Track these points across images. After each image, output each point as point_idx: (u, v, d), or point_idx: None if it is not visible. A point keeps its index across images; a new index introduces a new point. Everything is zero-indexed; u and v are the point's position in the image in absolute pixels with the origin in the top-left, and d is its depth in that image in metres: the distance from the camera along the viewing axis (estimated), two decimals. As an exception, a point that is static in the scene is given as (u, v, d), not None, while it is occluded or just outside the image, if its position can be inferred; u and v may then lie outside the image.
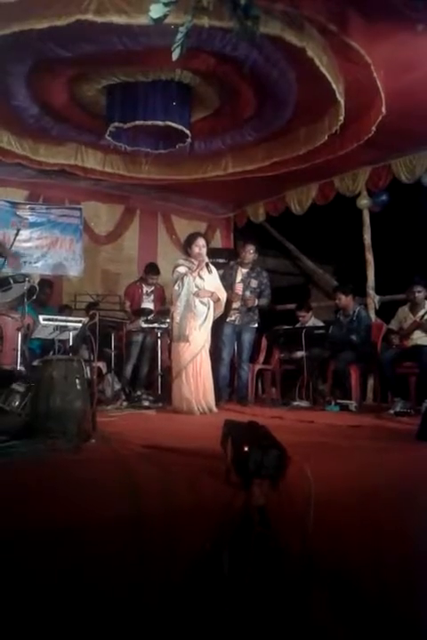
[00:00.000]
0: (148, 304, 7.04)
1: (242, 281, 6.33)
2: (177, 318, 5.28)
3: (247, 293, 6.26)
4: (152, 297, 7.15)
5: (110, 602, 1.56)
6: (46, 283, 6.85)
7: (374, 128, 5.60)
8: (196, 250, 5.42)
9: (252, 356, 6.83)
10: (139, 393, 6.29)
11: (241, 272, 6.38)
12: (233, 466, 1.96)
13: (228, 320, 6.19)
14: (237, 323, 6.28)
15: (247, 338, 6.35)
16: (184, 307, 5.27)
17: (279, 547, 1.81)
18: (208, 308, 5.40)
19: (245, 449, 1.88)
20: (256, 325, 6.45)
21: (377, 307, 7.27)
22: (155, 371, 6.54)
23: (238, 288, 6.28)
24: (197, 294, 5.32)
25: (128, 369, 6.71)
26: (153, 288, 7.16)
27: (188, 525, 1.75)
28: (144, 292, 7.12)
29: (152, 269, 7.14)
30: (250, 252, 6.34)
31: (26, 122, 6.12)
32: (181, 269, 5.38)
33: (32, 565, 1.49)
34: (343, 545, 2.02)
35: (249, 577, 1.74)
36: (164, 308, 6.88)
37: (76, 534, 1.61)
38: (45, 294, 6.67)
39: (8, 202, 7.24)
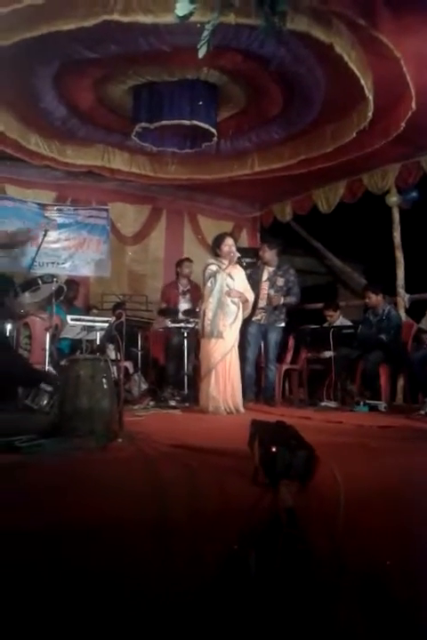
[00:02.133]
0: (185, 304, 7.02)
1: (268, 279, 6.31)
2: (209, 314, 5.27)
3: (271, 292, 6.21)
4: (188, 296, 7.13)
5: (136, 603, 1.55)
6: (73, 283, 6.89)
7: (403, 124, 5.50)
8: (226, 248, 5.43)
9: (279, 355, 6.78)
10: (167, 392, 6.30)
11: (267, 271, 6.36)
12: (261, 466, 1.93)
13: (253, 319, 6.17)
14: (262, 322, 6.24)
15: (273, 337, 6.31)
16: (216, 304, 5.26)
17: (308, 549, 1.77)
18: (238, 308, 5.40)
19: (273, 449, 1.86)
20: (283, 325, 6.41)
21: (407, 306, 7.13)
22: (181, 370, 6.53)
23: (264, 287, 6.26)
24: (228, 293, 5.32)
25: (170, 368, 6.71)
26: (189, 287, 7.15)
27: (214, 526, 1.73)
28: (180, 291, 7.13)
29: (184, 259, 7.26)
30: (265, 250, 6.33)
31: (53, 124, 6.18)
32: (213, 267, 5.39)
33: (58, 564, 1.49)
34: (373, 547, 1.97)
35: (277, 579, 1.71)
36: (190, 308, 6.87)
37: (102, 534, 1.60)
38: (73, 294, 6.73)
39: (37, 203, 7.30)
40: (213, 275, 5.32)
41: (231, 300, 5.34)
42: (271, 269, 6.35)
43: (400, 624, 1.92)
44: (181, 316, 6.72)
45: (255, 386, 6.54)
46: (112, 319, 5.25)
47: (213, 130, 5.63)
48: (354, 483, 2.01)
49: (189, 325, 6.38)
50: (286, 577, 1.71)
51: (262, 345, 6.47)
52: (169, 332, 6.70)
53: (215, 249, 5.57)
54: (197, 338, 6.15)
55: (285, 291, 6.31)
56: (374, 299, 6.31)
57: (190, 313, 6.66)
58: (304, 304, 8.21)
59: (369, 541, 1.95)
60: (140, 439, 3.09)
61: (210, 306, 5.27)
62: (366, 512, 1.98)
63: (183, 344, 6.48)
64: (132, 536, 1.64)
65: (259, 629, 1.65)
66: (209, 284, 5.32)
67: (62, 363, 4.81)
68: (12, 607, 1.40)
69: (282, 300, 6.24)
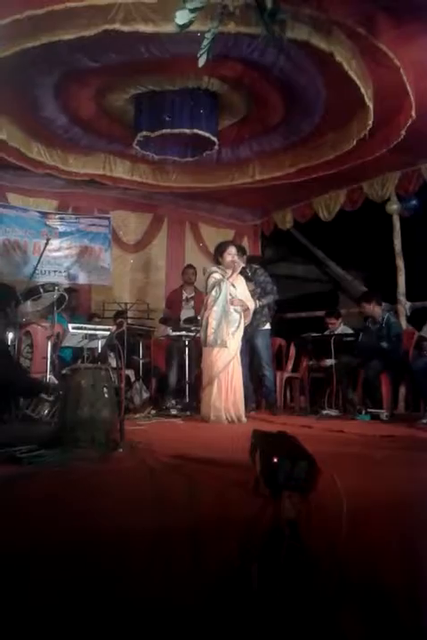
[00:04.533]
0: (188, 311, 7.00)
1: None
2: (213, 323, 5.22)
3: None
4: (192, 303, 7.10)
5: (137, 615, 1.53)
6: (74, 291, 6.87)
7: (403, 132, 5.52)
8: (228, 258, 5.40)
9: (279, 362, 6.72)
10: (171, 402, 6.28)
11: None
12: (262, 477, 1.92)
13: None
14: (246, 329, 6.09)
15: (259, 341, 6.25)
16: (221, 312, 5.23)
17: (310, 560, 1.76)
18: (240, 317, 5.37)
19: (275, 460, 1.84)
20: (267, 327, 6.37)
21: (408, 313, 7.13)
22: (183, 379, 6.52)
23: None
24: (231, 302, 5.29)
25: (171, 377, 6.69)
26: (193, 294, 7.15)
27: (215, 538, 1.72)
28: (184, 298, 7.12)
29: (186, 266, 7.29)
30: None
31: (55, 132, 6.21)
32: (217, 276, 5.36)
33: (56, 575, 1.48)
34: (375, 559, 1.96)
35: (279, 591, 1.69)
36: (191, 316, 6.86)
37: (102, 544, 1.59)
38: (74, 302, 6.72)
39: (38, 212, 7.32)
40: (218, 283, 5.30)
41: (234, 309, 5.32)
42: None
43: (402, 636, 1.90)
44: (182, 324, 6.70)
45: (255, 394, 6.51)
46: (113, 328, 5.26)
47: (214, 138, 5.65)
48: (356, 494, 1.99)
49: (191, 334, 6.36)
50: (288, 589, 1.70)
51: (252, 352, 6.34)
52: (169, 340, 6.68)
53: (217, 257, 5.54)
54: (198, 346, 6.13)
55: (259, 293, 6.23)
56: (368, 308, 6.28)
57: (191, 321, 6.65)
58: (305, 311, 8.22)
59: (371, 553, 1.93)
60: (141, 449, 3.07)
61: (214, 314, 5.24)
62: (368, 523, 1.96)
63: (184, 352, 6.46)
64: (132, 547, 1.62)
65: (261, 641, 1.64)
66: (214, 293, 5.29)
67: (64, 371, 4.81)
68: (11, 619, 1.39)
69: (258, 303, 6.14)
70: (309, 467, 1.86)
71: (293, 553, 1.72)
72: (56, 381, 4.70)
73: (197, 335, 5.96)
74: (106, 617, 1.49)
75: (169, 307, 7.18)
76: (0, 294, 4.72)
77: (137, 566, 1.59)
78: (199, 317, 5.80)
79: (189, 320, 6.70)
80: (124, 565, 1.57)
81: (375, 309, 6.26)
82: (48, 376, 4.87)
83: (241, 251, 6.49)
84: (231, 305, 5.29)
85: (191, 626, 1.58)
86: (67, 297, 5.47)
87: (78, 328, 5.22)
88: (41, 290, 5.20)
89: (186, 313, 6.99)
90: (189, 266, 7.32)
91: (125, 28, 4.00)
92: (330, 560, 1.80)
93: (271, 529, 1.75)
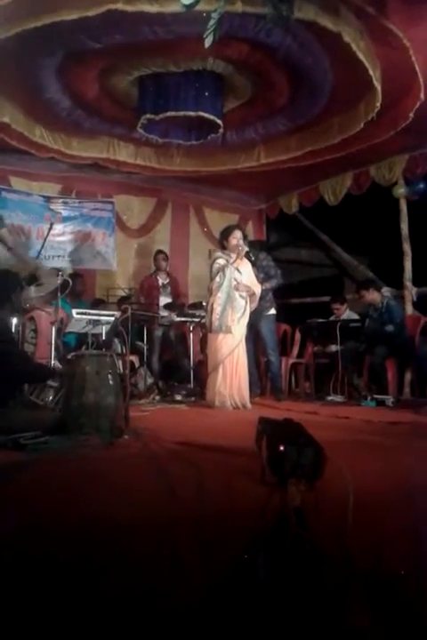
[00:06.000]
0: (165, 297, 7.00)
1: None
2: (217, 309, 5.21)
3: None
4: (168, 290, 7.12)
5: (141, 605, 1.52)
6: (77, 276, 6.83)
7: (411, 114, 5.43)
8: (233, 242, 5.37)
9: (284, 348, 6.67)
10: (173, 385, 6.29)
11: None
12: (268, 465, 1.90)
13: None
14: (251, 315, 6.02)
15: (264, 326, 6.21)
16: (225, 299, 5.20)
17: (317, 548, 1.75)
18: (246, 302, 5.34)
19: (281, 448, 1.82)
20: (272, 311, 6.33)
21: (415, 299, 7.06)
22: (187, 364, 6.51)
23: None
24: (236, 288, 5.26)
25: (154, 360, 6.70)
26: (168, 280, 7.14)
27: (221, 526, 1.70)
28: (160, 284, 7.10)
29: (158, 252, 7.27)
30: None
31: (58, 115, 6.14)
32: (221, 261, 5.33)
33: (61, 563, 1.47)
34: (382, 547, 1.94)
35: (285, 580, 1.68)
36: (169, 302, 6.87)
37: (107, 533, 1.58)
38: (79, 288, 6.69)
39: (42, 196, 7.29)
40: (222, 269, 5.27)
41: (239, 295, 5.28)
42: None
43: (409, 625, 1.89)
44: (162, 310, 6.72)
45: (260, 380, 6.49)
46: (118, 313, 5.23)
47: (219, 121, 5.58)
48: (363, 481, 1.98)
49: (196, 319, 6.35)
50: (294, 577, 1.68)
51: (257, 338, 6.32)
52: (150, 323, 6.66)
53: (222, 241, 5.50)
54: (202, 331, 6.12)
55: (262, 278, 6.11)
56: (367, 296, 6.26)
57: (171, 307, 6.72)
58: (310, 297, 8.18)
59: (378, 541, 1.92)
60: (146, 436, 3.06)
61: (218, 300, 5.21)
62: (375, 511, 1.95)
63: (169, 336, 6.62)
64: (138, 536, 1.61)
65: (267, 630, 1.63)
66: (218, 279, 5.26)
67: (68, 357, 4.79)
68: (15, 606, 1.38)
69: (261, 288, 6.03)
70: (315, 454, 1.84)
71: (299, 541, 1.70)
72: (61, 367, 4.69)
73: (203, 321, 5.95)
74: (111, 605, 1.48)
75: (144, 294, 7.13)
76: (5, 281, 4.68)
77: (141, 554, 1.58)
78: (204, 303, 5.78)
79: (169, 306, 6.70)
80: (128, 553, 1.56)
81: (373, 296, 6.25)
82: (52, 362, 4.86)
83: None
84: (236, 291, 5.26)
85: (199, 613, 1.57)
86: (71, 282, 5.43)
87: (82, 313, 5.20)
88: (45, 275, 5.16)
89: (164, 299, 6.98)
90: (160, 251, 7.31)
91: (129, 8, 3.91)
92: (337, 548, 1.79)
93: (278, 517, 1.73)
